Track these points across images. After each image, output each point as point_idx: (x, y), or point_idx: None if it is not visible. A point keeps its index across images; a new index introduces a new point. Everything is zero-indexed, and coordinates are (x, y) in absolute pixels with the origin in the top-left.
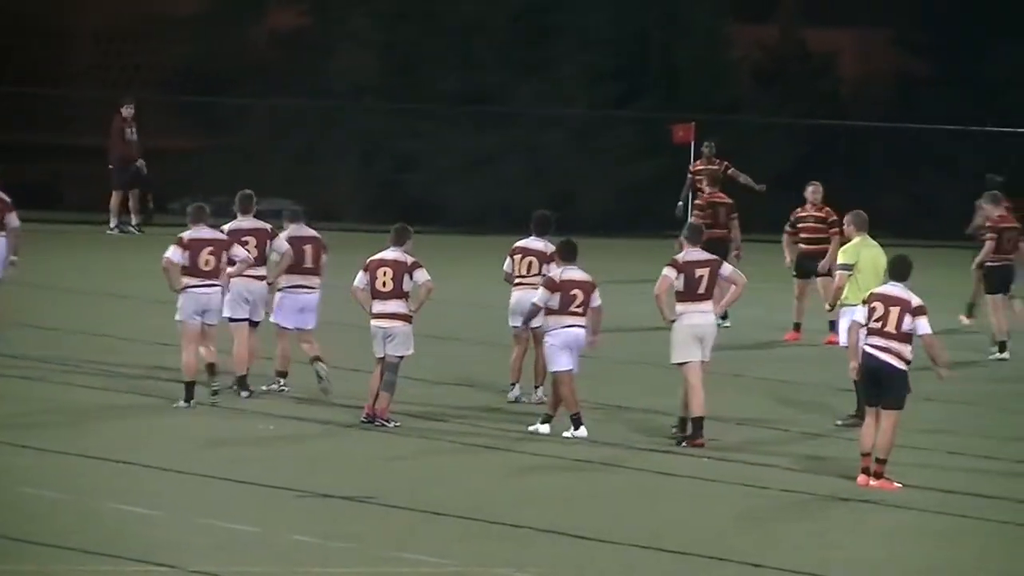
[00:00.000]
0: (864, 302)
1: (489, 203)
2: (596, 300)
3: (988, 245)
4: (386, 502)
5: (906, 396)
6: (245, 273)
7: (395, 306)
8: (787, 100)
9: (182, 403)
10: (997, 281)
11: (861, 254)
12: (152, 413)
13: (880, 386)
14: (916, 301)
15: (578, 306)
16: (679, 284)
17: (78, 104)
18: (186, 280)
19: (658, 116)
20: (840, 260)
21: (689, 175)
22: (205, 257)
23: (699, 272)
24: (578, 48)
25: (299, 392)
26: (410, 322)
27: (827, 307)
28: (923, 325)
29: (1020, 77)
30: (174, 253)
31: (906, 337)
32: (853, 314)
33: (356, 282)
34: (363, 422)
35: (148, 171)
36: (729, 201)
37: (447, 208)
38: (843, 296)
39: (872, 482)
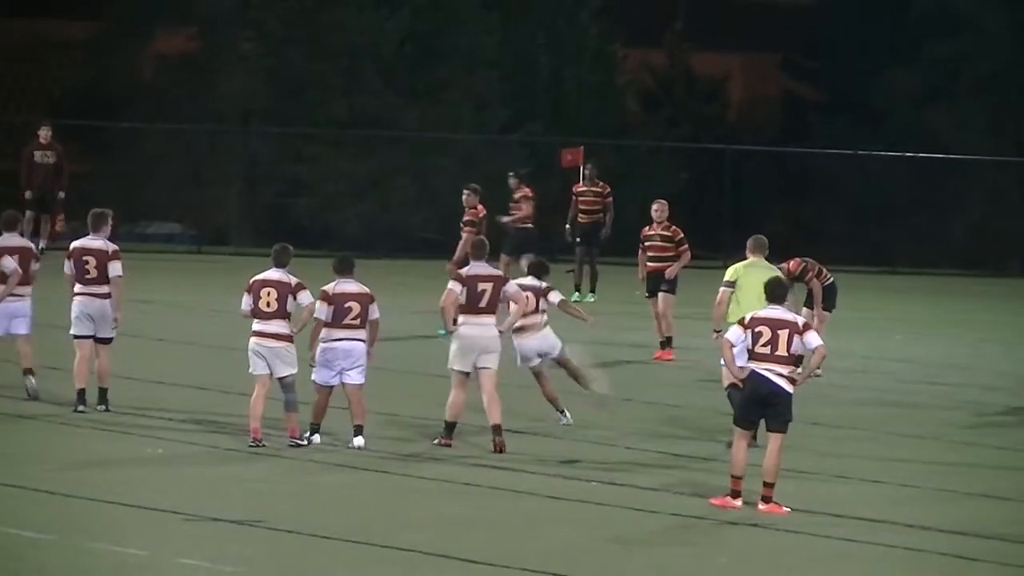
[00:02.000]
0: (743, 325)
1: (377, 227)
2: (374, 313)
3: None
4: (274, 526)
5: (790, 420)
6: (87, 291)
7: (277, 326)
8: (674, 124)
9: None
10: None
11: (744, 274)
12: (38, 434)
13: (767, 408)
14: (800, 320)
15: (354, 319)
16: (462, 297)
17: None
18: None
19: (546, 140)
20: (725, 278)
21: (573, 197)
22: None
23: (482, 286)
24: (465, 72)
25: (188, 415)
26: (292, 342)
27: (714, 332)
28: (814, 338)
29: (905, 102)
30: None
31: (795, 359)
32: (727, 334)
33: (243, 306)
34: (251, 446)
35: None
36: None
37: (335, 232)
38: (727, 314)
39: (761, 506)
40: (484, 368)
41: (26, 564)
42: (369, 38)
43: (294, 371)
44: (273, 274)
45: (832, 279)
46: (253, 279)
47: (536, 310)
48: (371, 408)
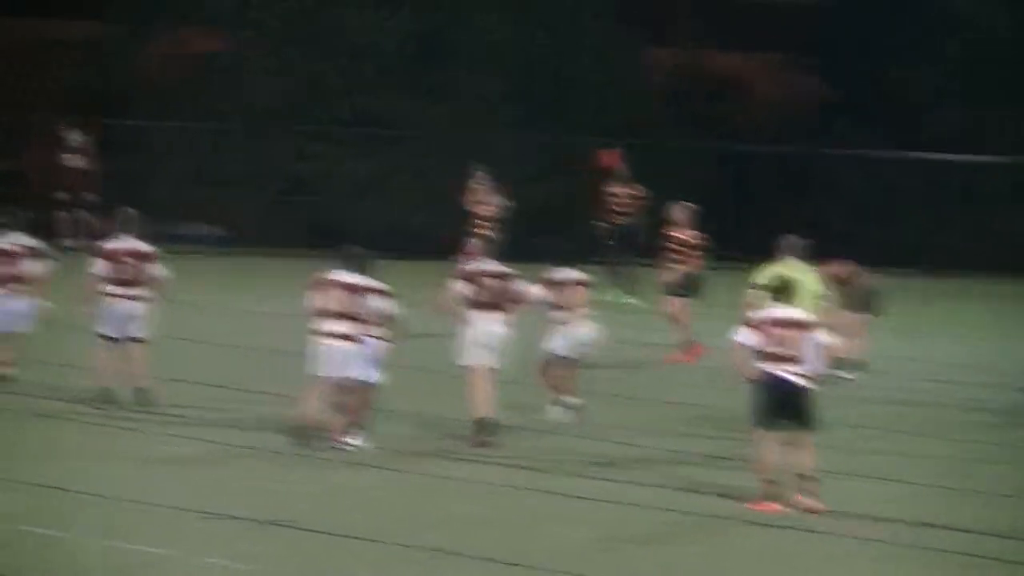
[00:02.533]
0: (752, 326)
1: (381, 226)
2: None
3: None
4: (293, 525)
5: (814, 417)
6: (121, 293)
7: (347, 328)
8: (682, 123)
9: None
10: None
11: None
12: (55, 432)
13: (793, 409)
14: (809, 318)
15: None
16: (470, 293)
17: None
18: None
19: (548, 140)
20: (758, 281)
21: (608, 198)
22: None
23: (489, 282)
24: (471, 71)
25: (203, 413)
26: (361, 343)
27: None
28: (823, 336)
29: (906, 102)
30: None
31: (804, 356)
32: (737, 336)
33: (308, 304)
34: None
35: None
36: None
37: (340, 230)
38: None
39: (801, 497)
40: (492, 367)
41: (41, 562)
42: (369, 38)
43: (359, 374)
44: (342, 276)
45: (873, 283)
46: (320, 278)
47: (583, 302)
48: (391, 407)
